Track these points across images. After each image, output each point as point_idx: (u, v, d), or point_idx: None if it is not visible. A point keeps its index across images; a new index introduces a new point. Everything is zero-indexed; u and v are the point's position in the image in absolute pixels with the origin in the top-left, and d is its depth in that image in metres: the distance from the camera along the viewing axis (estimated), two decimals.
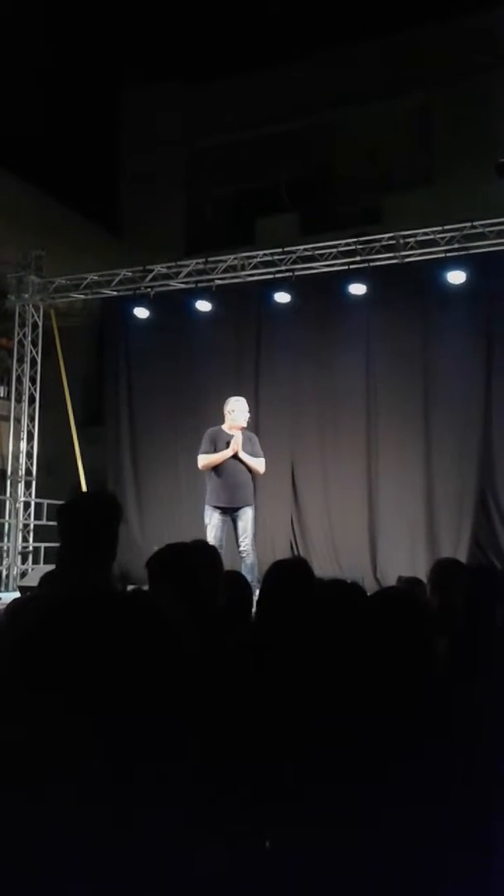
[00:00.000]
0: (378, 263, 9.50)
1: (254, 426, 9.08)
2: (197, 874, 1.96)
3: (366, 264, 9.50)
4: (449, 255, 9.14)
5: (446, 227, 9.12)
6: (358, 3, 13.14)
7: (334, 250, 9.66)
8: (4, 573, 10.82)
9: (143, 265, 10.46)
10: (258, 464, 7.95)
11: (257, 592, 3.36)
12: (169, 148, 14.03)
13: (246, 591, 3.73)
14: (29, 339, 11.17)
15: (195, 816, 1.84)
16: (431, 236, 9.23)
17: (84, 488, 10.74)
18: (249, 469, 7.91)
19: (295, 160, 13.63)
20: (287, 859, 2.02)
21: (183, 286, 10.39)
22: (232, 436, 7.92)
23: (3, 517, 11.04)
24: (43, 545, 10.71)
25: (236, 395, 8.51)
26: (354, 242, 9.56)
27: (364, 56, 12.68)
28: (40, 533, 10.83)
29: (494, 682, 2.27)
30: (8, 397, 11.20)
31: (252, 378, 10.88)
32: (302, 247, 9.85)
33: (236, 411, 8.03)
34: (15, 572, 10.72)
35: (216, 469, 7.84)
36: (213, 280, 10.18)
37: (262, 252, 10.04)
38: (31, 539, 10.99)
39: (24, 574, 10.45)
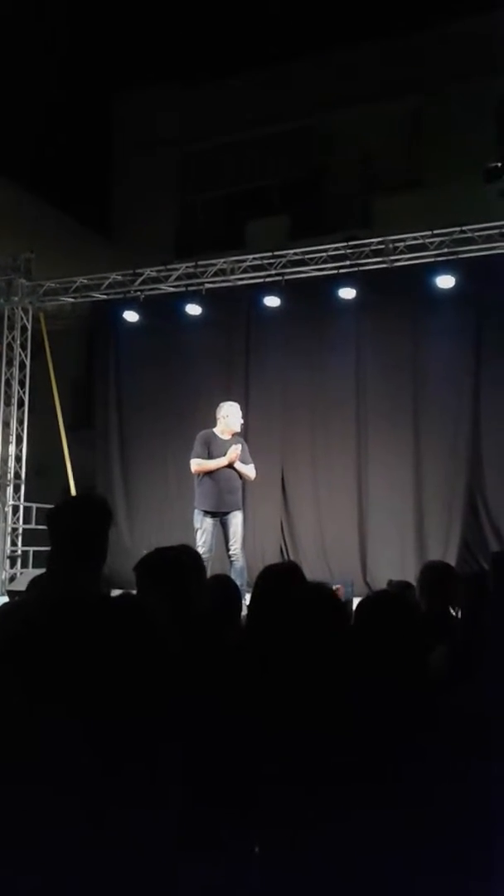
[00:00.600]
0: (368, 268, 9.51)
1: (243, 430, 9.07)
2: (187, 877, 1.95)
3: (355, 268, 9.51)
4: (438, 259, 9.16)
5: (436, 232, 9.15)
6: (349, 7, 13.19)
7: (324, 254, 9.68)
8: None
9: (132, 268, 10.45)
10: (251, 472, 7.96)
11: (247, 596, 3.36)
12: (160, 151, 14.04)
13: (235, 595, 3.72)
14: (18, 342, 11.13)
15: (184, 819, 1.84)
16: (421, 241, 9.25)
17: (73, 492, 10.71)
18: (241, 475, 7.91)
19: (285, 164, 13.65)
20: (276, 863, 2.01)
21: (173, 290, 10.38)
22: (225, 440, 7.92)
23: None
24: (32, 549, 10.67)
25: (226, 398, 8.51)
26: (344, 246, 9.57)
27: (355, 60, 12.72)
28: (29, 537, 10.79)
29: (492, 688, 2.27)
30: None
31: (242, 382, 10.88)
32: (292, 251, 9.86)
33: (230, 416, 8.02)
34: (3, 576, 10.68)
35: (208, 473, 7.83)
36: (203, 284, 10.17)
37: (252, 256, 10.05)
38: (19, 543, 10.94)
39: (12, 578, 10.42)
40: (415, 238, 9.28)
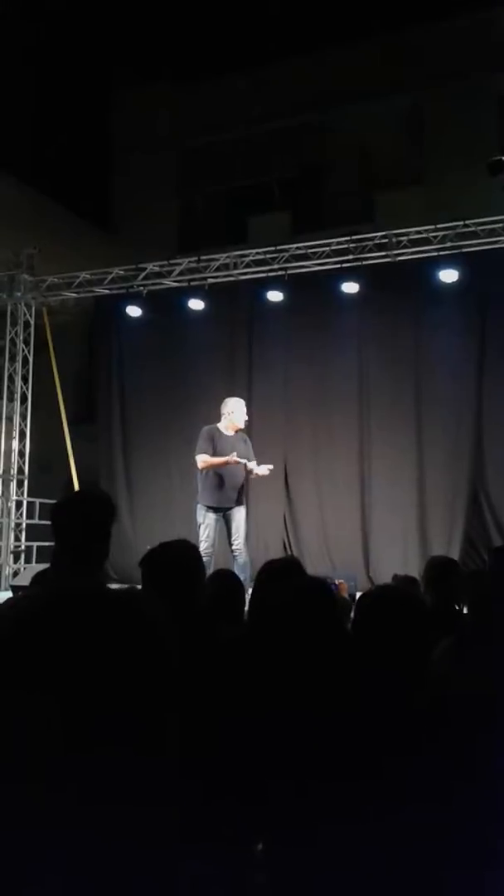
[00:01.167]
0: (370, 262, 9.50)
1: (246, 425, 9.07)
2: (188, 875, 1.95)
3: (358, 263, 9.50)
4: (441, 253, 9.16)
5: (439, 226, 9.14)
6: (349, 3, 13.15)
7: (327, 249, 9.66)
8: None
9: (135, 263, 10.44)
10: (263, 470, 7.86)
11: (250, 591, 3.36)
12: (161, 146, 14.02)
13: (238, 590, 3.73)
14: (21, 337, 11.13)
15: (184, 817, 1.84)
16: (424, 235, 9.24)
17: (76, 487, 10.71)
18: (251, 473, 7.84)
19: (287, 159, 13.63)
20: (279, 860, 2.02)
21: (175, 285, 10.37)
22: (229, 436, 7.90)
23: None
24: (35, 544, 10.68)
25: (229, 394, 8.49)
26: (347, 241, 9.56)
27: (356, 55, 12.69)
28: (32, 532, 10.81)
29: (497, 681, 2.26)
30: (0, 396, 11.17)
31: (245, 377, 10.87)
32: (294, 245, 9.85)
33: (235, 412, 7.99)
34: (7, 572, 10.69)
35: (212, 469, 7.80)
36: (205, 278, 10.17)
37: (254, 251, 10.04)
38: (23, 538, 10.96)
39: (16, 573, 10.43)
40: (418, 232, 9.27)
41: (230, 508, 7.79)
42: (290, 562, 3.42)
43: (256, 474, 7.80)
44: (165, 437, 10.96)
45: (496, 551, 7.01)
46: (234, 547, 7.77)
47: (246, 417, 8.09)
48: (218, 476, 7.76)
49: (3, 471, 11.04)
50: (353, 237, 9.54)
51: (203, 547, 7.46)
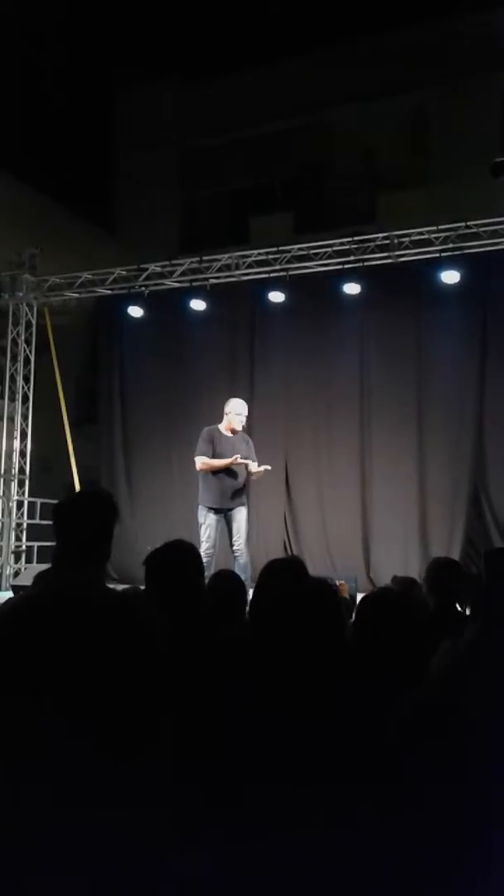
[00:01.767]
0: (372, 263, 9.50)
1: (248, 426, 9.07)
2: (182, 875, 1.95)
3: (360, 264, 9.49)
4: (443, 254, 9.15)
5: (441, 227, 9.13)
6: (352, 3, 13.15)
7: (329, 250, 9.66)
8: None
9: (137, 264, 10.44)
10: (267, 467, 7.88)
11: (251, 592, 3.36)
12: (163, 147, 14.03)
13: (239, 590, 3.73)
14: (23, 337, 11.14)
15: (179, 817, 1.84)
16: (426, 236, 9.23)
17: (77, 487, 10.71)
18: (252, 474, 7.84)
19: (289, 159, 13.63)
20: (277, 860, 2.02)
21: (177, 285, 10.37)
22: (229, 437, 7.88)
23: None
24: (36, 544, 10.68)
25: (230, 394, 8.48)
26: (349, 242, 9.55)
27: (359, 56, 12.70)
28: (33, 532, 10.81)
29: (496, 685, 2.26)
30: (1, 396, 11.17)
31: (246, 377, 10.88)
32: (296, 246, 9.85)
33: (232, 414, 7.97)
34: (8, 572, 10.69)
35: (214, 470, 7.80)
36: (207, 279, 10.17)
37: (256, 251, 10.03)
38: (24, 538, 10.96)
39: (17, 573, 10.43)
40: (420, 233, 9.26)
41: (231, 509, 7.79)
42: (293, 562, 3.41)
43: (252, 474, 7.79)
44: (166, 437, 10.96)
45: (489, 554, 7.00)
46: (234, 547, 7.77)
47: (243, 421, 8.01)
48: (218, 477, 7.75)
49: (5, 471, 11.04)
50: (355, 238, 9.54)
51: (204, 547, 7.46)
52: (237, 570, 6.81)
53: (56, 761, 1.63)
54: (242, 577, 5.36)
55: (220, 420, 8.04)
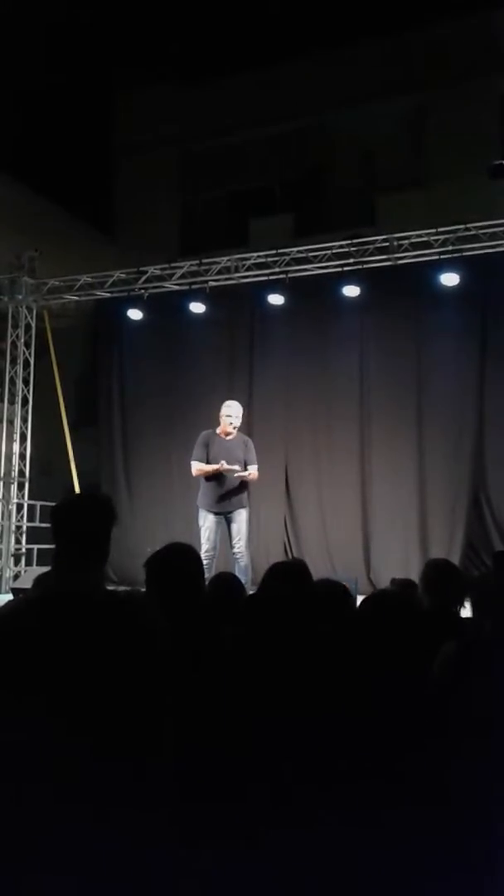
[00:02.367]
0: (372, 265, 9.51)
1: (247, 428, 9.07)
2: (186, 873, 1.95)
3: (359, 266, 9.50)
4: (443, 257, 9.15)
5: (440, 230, 9.14)
6: (352, 5, 13.16)
7: (328, 252, 9.67)
8: None
9: (136, 267, 10.45)
10: (251, 474, 7.89)
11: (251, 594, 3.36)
12: (163, 149, 14.02)
13: (239, 592, 3.73)
14: (22, 340, 11.14)
15: (182, 816, 1.84)
16: (425, 238, 9.24)
17: (77, 489, 10.71)
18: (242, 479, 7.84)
19: (289, 162, 13.63)
20: (279, 860, 2.02)
21: (177, 288, 10.37)
22: (225, 439, 7.90)
23: None
24: (36, 547, 10.68)
25: (230, 396, 8.49)
26: (348, 244, 9.56)
27: (358, 58, 12.69)
28: (33, 535, 10.80)
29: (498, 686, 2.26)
30: (1, 399, 11.17)
31: (246, 380, 10.88)
32: (296, 249, 9.86)
33: (222, 416, 8.01)
34: (8, 574, 10.69)
35: (211, 475, 7.82)
36: (206, 282, 10.17)
37: (255, 254, 10.05)
38: (23, 541, 10.95)
39: (17, 576, 10.43)
40: (419, 236, 9.27)
41: (230, 511, 7.80)
42: (297, 565, 3.42)
43: (240, 476, 7.76)
44: (166, 439, 10.97)
45: (499, 556, 7.01)
46: (235, 550, 7.78)
47: (232, 420, 7.98)
48: (215, 480, 7.78)
49: (4, 473, 11.04)
50: (355, 240, 9.55)
51: (204, 549, 7.48)
52: (238, 573, 6.82)
53: (57, 761, 1.63)
54: (243, 579, 5.37)
55: (219, 423, 8.06)
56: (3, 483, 11.02)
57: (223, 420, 7.99)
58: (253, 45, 13.41)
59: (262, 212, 13.20)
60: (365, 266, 9.50)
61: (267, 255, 9.92)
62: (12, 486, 11.02)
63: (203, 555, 7.04)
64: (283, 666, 2.30)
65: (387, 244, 9.39)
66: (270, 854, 2.03)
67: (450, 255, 9.11)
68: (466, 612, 3.63)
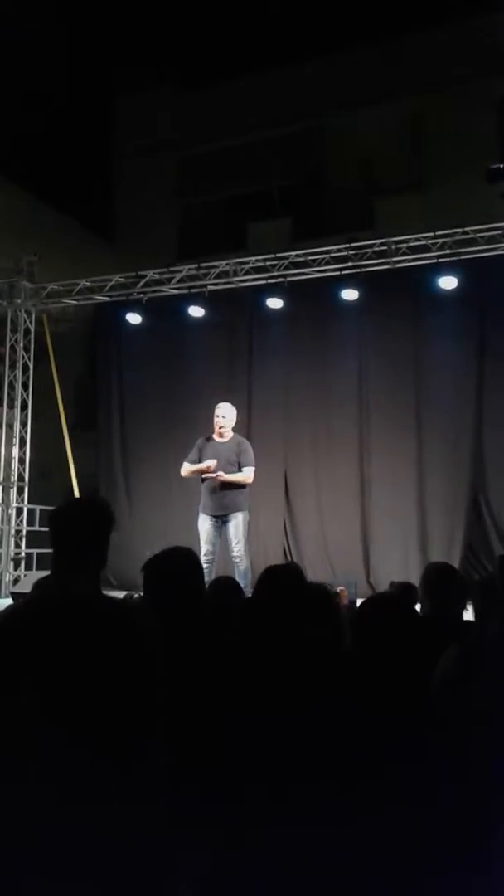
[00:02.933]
0: (370, 269, 9.51)
1: (246, 432, 9.07)
2: (184, 873, 1.95)
3: (358, 270, 9.51)
4: (441, 260, 9.16)
5: (438, 233, 9.15)
6: (350, 9, 13.18)
7: (326, 256, 9.68)
8: None
9: (135, 271, 10.46)
10: (243, 476, 7.83)
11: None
12: (161, 153, 14.05)
13: (238, 597, 3.73)
14: (21, 344, 11.15)
15: (180, 816, 1.84)
16: (423, 242, 9.25)
17: (76, 493, 10.71)
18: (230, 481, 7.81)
19: (287, 165, 13.65)
20: (275, 859, 2.02)
21: (175, 292, 10.39)
22: (218, 442, 7.92)
23: None
24: (35, 551, 10.68)
25: (228, 400, 8.48)
26: (346, 248, 9.57)
27: (356, 62, 12.73)
28: (33, 539, 10.80)
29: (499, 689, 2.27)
30: (0, 403, 11.18)
31: (244, 384, 10.89)
32: (294, 252, 9.87)
33: (214, 417, 8.04)
34: (8, 579, 10.69)
35: (204, 478, 7.83)
36: (205, 286, 10.18)
37: (254, 258, 10.06)
38: (23, 545, 10.95)
39: (16, 580, 10.42)
40: (417, 239, 9.28)
41: (225, 514, 7.79)
42: (290, 568, 3.42)
43: (225, 479, 7.75)
44: (165, 443, 10.96)
45: (503, 559, 6.99)
46: (233, 554, 7.77)
47: (221, 422, 7.97)
48: (209, 483, 7.78)
49: (4, 478, 11.04)
50: (353, 244, 9.56)
51: (203, 552, 7.48)
52: (237, 577, 6.81)
53: (55, 763, 1.64)
54: (242, 583, 5.36)
55: None
56: (3, 487, 11.02)
57: (214, 421, 8.02)
58: (251, 48, 13.44)
59: (261, 215, 13.22)
60: (363, 270, 9.50)
61: (265, 259, 9.93)
62: (12, 490, 11.02)
63: (202, 558, 7.04)
64: (275, 669, 2.30)
65: (385, 248, 9.40)
66: (266, 854, 2.03)
67: (448, 259, 9.12)
68: (467, 615, 3.64)
